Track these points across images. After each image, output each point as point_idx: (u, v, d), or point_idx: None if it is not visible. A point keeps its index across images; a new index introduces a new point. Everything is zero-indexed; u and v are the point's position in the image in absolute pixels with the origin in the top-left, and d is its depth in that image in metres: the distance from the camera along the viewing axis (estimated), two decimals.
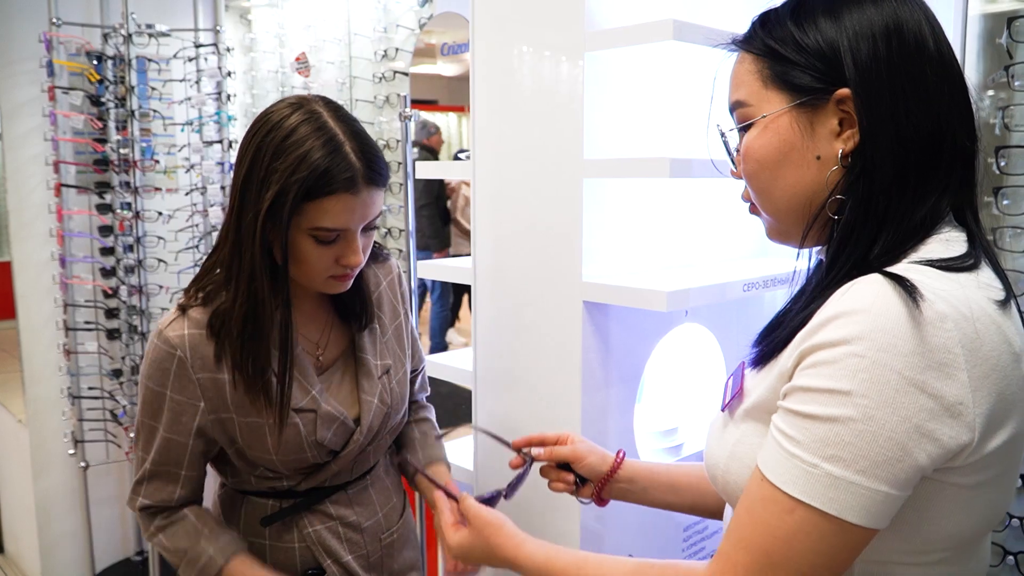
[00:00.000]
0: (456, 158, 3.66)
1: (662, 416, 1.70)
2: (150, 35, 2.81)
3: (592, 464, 1.21)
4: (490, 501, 1.14)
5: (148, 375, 1.21)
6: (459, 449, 1.80)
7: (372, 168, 1.14)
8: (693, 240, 1.68)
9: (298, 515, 1.31)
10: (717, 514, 1.14)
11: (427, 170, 1.80)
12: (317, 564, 1.32)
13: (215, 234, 3.09)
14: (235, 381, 1.20)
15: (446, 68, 2.34)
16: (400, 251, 2.90)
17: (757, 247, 1.84)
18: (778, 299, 1.96)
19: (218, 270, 1.22)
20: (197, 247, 3.10)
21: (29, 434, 3.11)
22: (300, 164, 1.09)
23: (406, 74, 2.79)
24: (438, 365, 1.78)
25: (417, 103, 2.82)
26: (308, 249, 1.15)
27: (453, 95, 3.06)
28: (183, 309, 1.21)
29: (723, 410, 0.91)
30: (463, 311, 5.54)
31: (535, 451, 1.24)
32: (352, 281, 1.24)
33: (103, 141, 2.93)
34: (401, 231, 2.88)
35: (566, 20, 1.40)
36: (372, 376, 1.32)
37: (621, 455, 1.21)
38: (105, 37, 2.88)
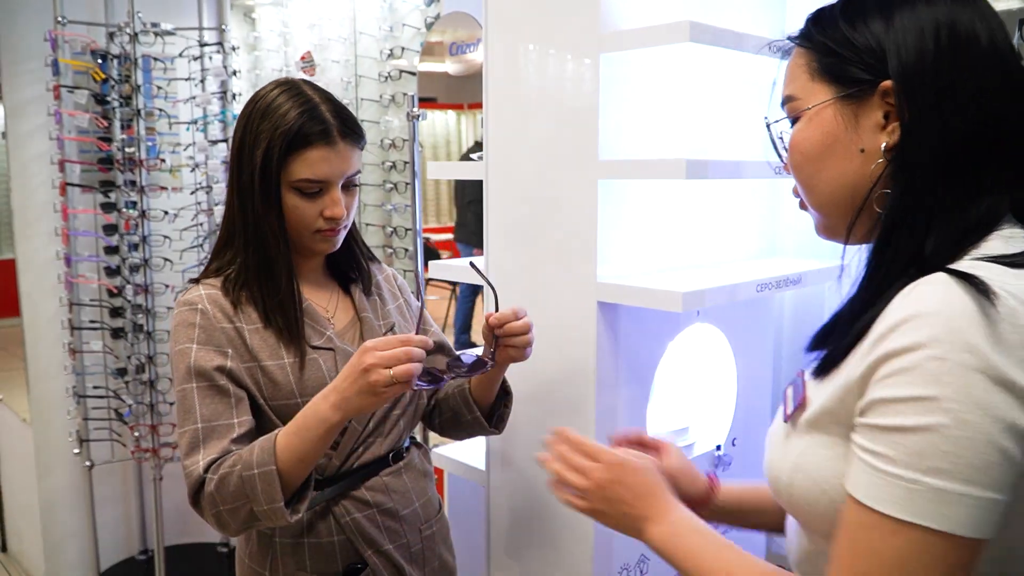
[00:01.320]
0: (468, 158, 3.65)
1: (673, 415, 1.70)
2: (155, 34, 2.80)
3: (683, 486, 1.09)
4: (472, 368, 1.30)
5: (175, 339, 1.27)
6: (470, 449, 1.81)
7: (347, 125, 1.29)
8: (703, 240, 1.69)
9: (334, 503, 1.32)
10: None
11: (439, 171, 1.81)
12: (358, 558, 1.32)
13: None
14: (254, 329, 1.28)
15: (454, 67, 2.35)
16: (407, 250, 2.90)
17: (766, 247, 1.85)
18: (787, 298, 1.96)
19: (226, 253, 1.33)
20: (202, 246, 3.10)
21: (33, 433, 3.11)
22: (281, 120, 1.25)
23: (412, 73, 2.79)
24: None
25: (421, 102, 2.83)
26: (295, 203, 1.27)
27: (451, 93, 3.06)
28: (197, 281, 1.33)
29: (786, 421, 0.87)
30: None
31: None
32: (341, 240, 1.34)
33: (108, 140, 2.93)
34: (408, 230, 2.88)
35: (581, 21, 1.41)
36: (376, 332, 1.39)
37: (714, 482, 1.13)
38: (110, 36, 2.87)
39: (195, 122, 3.04)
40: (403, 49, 2.81)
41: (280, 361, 1.28)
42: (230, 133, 3.03)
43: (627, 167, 1.39)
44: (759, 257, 1.83)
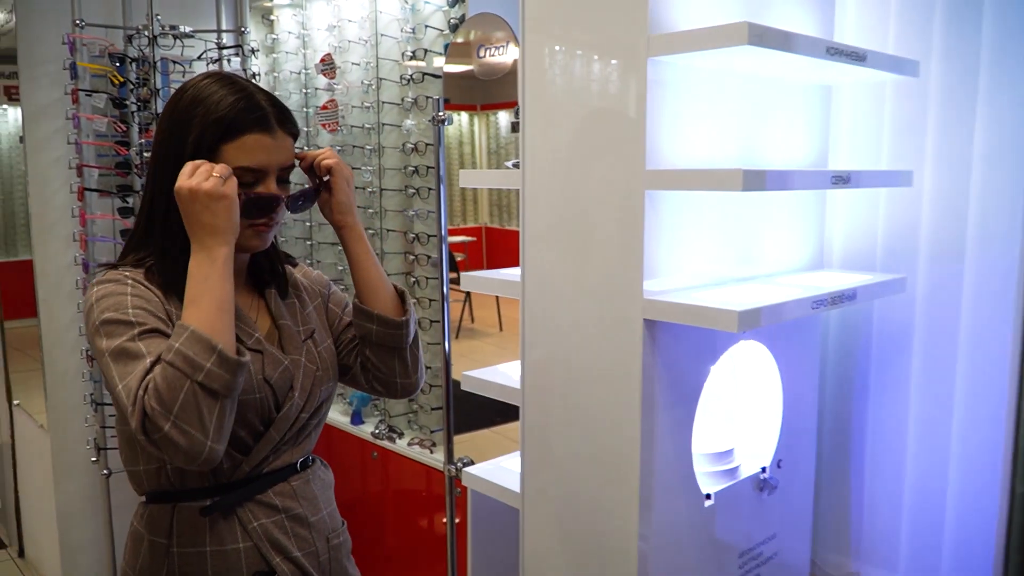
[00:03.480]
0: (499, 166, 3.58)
1: (717, 437, 1.63)
2: (174, 36, 2.74)
3: None
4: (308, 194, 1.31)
5: (100, 308, 1.15)
6: (504, 470, 1.74)
7: (283, 113, 1.24)
8: (748, 251, 1.61)
9: (241, 508, 1.26)
10: None
11: (472, 178, 1.74)
12: (265, 565, 1.26)
13: None
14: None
15: (481, 70, 2.28)
16: (429, 257, 2.84)
17: (811, 259, 1.77)
18: (833, 314, 1.88)
19: (144, 247, 1.25)
20: None
21: (51, 440, 3.06)
22: (217, 107, 1.19)
23: (436, 76, 2.72)
24: (481, 381, 1.72)
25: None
26: None
27: (476, 95, 3.00)
28: (114, 267, 1.24)
29: None
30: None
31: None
32: (271, 237, 1.28)
33: (126, 144, 2.88)
34: (431, 237, 2.82)
35: (627, 22, 1.33)
36: (295, 340, 1.34)
37: None
38: (128, 39, 2.82)
39: None
40: (425, 51, 2.74)
41: None
42: None
43: (678, 177, 1.31)
44: (804, 270, 1.75)
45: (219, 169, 1.14)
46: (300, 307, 1.39)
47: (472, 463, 2.34)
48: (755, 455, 1.67)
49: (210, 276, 1.12)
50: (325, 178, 1.33)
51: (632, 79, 1.34)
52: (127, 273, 1.21)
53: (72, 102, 2.77)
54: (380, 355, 1.38)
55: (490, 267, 1.98)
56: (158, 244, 1.23)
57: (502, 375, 1.70)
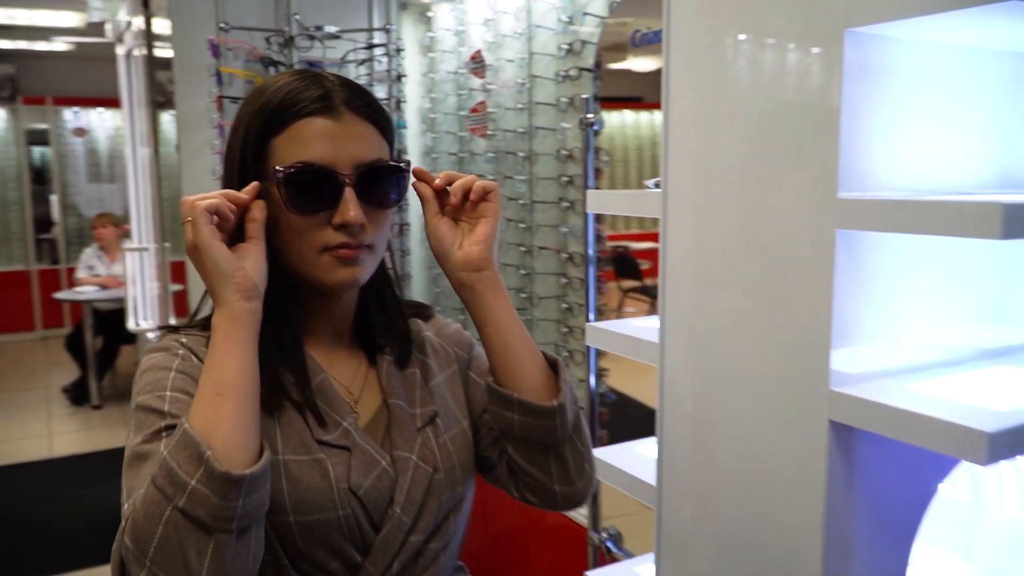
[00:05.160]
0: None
1: None
2: (310, 37, 2.56)
3: None
4: None
5: (139, 388, 0.89)
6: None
7: (358, 97, 0.90)
8: (1000, 310, 1.11)
9: None
10: None
11: (599, 202, 1.34)
12: None
13: None
14: None
15: (640, 62, 1.89)
16: (582, 280, 2.48)
17: None
18: None
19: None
20: None
21: None
22: (268, 96, 0.90)
23: (591, 71, 2.35)
24: (609, 466, 1.32)
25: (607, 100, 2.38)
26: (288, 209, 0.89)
27: (636, 89, 2.59)
28: (176, 330, 0.97)
29: None
30: None
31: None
32: (368, 266, 0.93)
33: None
34: (584, 256, 2.45)
35: None
36: (407, 428, 0.96)
37: None
38: (275, 42, 2.68)
39: None
40: (583, 43, 2.37)
41: (273, 456, 0.88)
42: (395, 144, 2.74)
43: (890, 213, 0.86)
44: None
45: (198, 207, 0.82)
46: (423, 379, 1.02)
47: (620, 537, 1.95)
48: None
49: (213, 349, 0.82)
50: (469, 200, 0.96)
51: (816, 66, 0.90)
52: (184, 340, 0.93)
53: (217, 109, 2.67)
54: (528, 454, 0.97)
55: None
56: None
57: (631, 460, 1.29)
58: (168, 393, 0.86)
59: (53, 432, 5.12)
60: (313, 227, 0.88)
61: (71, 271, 6.57)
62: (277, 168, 0.87)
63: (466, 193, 0.95)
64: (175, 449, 0.76)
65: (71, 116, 8.03)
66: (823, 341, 0.91)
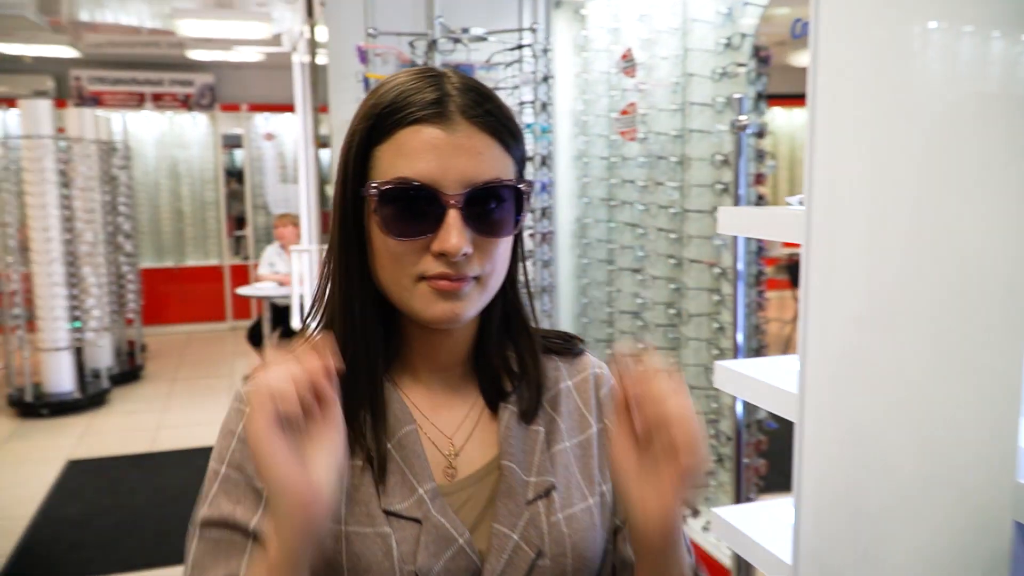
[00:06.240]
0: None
1: None
2: (456, 40, 2.49)
3: None
4: None
5: (216, 442, 0.82)
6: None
7: (478, 104, 0.76)
8: None
9: None
10: None
11: (733, 223, 1.14)
12: None
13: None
14: None
15: (803, 56, 1.65)
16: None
17: None
18: None
19: (313, 322, 0.85)
20: None
21: None
22: (373, 96, 0.79)
23: (756, 65, 2.11)
24: (730, 527, 1.12)
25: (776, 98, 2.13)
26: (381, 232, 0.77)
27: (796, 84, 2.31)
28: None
29: None
30: None
31: None
32: (474, 302, 0.78)
33: None
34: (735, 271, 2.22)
35: None
36: (515, 496, 0.80)
37: None
38: (411, 45, 2.64)
39: None
40: (743, 36, 2.14)
41: (334, 526, 0.76)
42: (538, 150, 2.63)
43: None
44: None
45: (260, 390, 0.65)
46: (548, 439, 0.85)
47: None
48: None
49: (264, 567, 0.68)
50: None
51: (1013, 55, 0.67)
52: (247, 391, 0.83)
53: None
54: None
55: None
56: (324, 326, 0.83)
57: (760, 548, 1.08)
58: (223, 468, 0.78)
59: None
60: (410, 252, 0.76)
61: (257, 267, 7.02)
62: (372, 183, 0.75)
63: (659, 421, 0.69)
64: None
65: (262, 121, 8.64)
66: (1011, 418, 0.69)
